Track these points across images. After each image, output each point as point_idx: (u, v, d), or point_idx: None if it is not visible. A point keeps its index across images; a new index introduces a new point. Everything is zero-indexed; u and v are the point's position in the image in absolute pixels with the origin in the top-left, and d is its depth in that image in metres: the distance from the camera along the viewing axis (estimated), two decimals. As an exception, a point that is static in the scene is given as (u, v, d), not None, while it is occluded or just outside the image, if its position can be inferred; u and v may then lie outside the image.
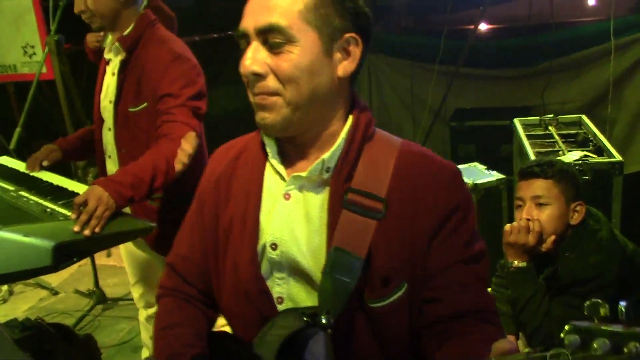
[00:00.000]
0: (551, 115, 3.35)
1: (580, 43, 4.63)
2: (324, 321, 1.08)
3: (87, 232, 1.64)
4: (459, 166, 1.21)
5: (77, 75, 3.71)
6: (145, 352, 2.75)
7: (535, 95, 4.65)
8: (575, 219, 2.01)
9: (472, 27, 4.62)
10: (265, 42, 1.09)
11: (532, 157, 2.76)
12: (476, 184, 2.98)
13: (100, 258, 4.10)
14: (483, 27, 4.99)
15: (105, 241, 1.77)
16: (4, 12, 4.55)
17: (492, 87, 4.98)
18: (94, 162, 3.00)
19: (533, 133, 3.23)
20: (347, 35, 1.11)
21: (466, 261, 1.12)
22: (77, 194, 1.91)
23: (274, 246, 1.17)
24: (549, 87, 4.59)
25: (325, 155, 1.14)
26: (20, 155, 2.73)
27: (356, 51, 1.13)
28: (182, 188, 2.16)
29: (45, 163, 2.19)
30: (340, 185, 1.13)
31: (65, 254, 1.60)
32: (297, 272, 1.17)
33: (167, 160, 1.91)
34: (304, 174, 1.15)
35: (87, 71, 4.85)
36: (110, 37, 2.31)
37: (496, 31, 5.19)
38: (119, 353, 3.20)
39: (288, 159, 1.20)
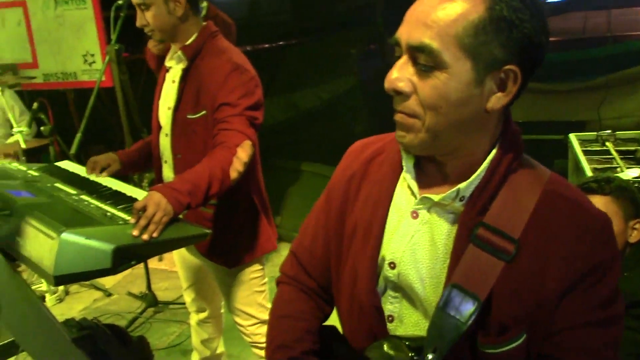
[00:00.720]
0: (609, 131, 3.28)
1: (637, 57, 4.52)
2: (429, 358, 1.03)
3: (145, 236, 1.68)
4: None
5: (134, 83, 3.82)
6: (195, 356, 2.79)
7: (590, 109, 4.55)
8: (634, 237, 1.96)
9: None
10: (415, 61, 1.01)
11: (589, 173, 2.70)
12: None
13: (153, 262, 4.19)
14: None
15: (162, 246, 1.80)
16: (66, 22, 4.71)
17: (545, 100, 4.89)
18: (149, 168, 3.08)
19: (590, 149, 3.16)
20: (507, 67, 1.00)
21: (597, 324, 1.03)
22: (136, 199, 1.97)
23: (392, 265, 1.14)
24: (604, 101, 4.49)
25: (462, 185, 1.07)
26: (79, 160, 2.82)
27: (513, 87, 1.02)
28: (235, 196, 2.21)
29: (104, 174, 2.26)
30: (472, 218, 1.06)
31: (124, 257, 1.65)
32: (411, 295, 1.14)
33: (223, 168, 1.94)
34: (435, 197, 1.09)
35: (144, 80, 5.00)
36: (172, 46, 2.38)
37: (550, 44, 5.10)
38: (169, 356, 3.26)
39: (423, 176, 1.14)
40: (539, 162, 1.15)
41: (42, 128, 3.68)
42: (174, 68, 2.25)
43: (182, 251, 2.53)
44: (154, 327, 3.56)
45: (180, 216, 1.94)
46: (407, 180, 1.15)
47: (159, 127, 2.32)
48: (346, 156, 1.32)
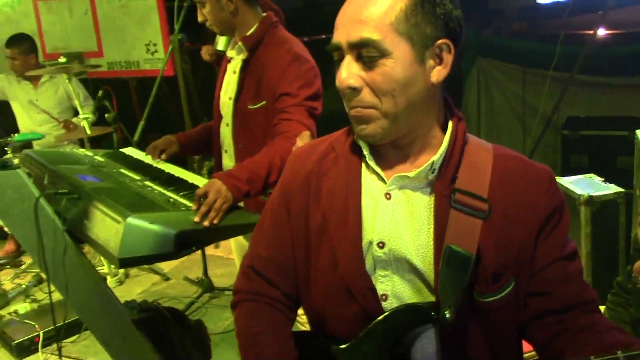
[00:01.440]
0: (677, 127, 3.15)
1: None
2: (447, 315, 1.12)
3: (206, 222, 1.72)
4: (572, 177, 1.24)
5: (194, 72, 3.89)
6: (249, 342, 2.83)
7: (657, 105, 4.40)
8: None
9: (591, 32, 4.42)
10: (359, 56, 1.11)
11: (656, 171, 2.61)
12: (592, 196, 2.86)
13: (209, 249, 4.27)
14: (602, 32, 4.77)
15: (222, 232, 1.84)
16: (130, 12, 4.83)
17: (610, 95, 4.74)
18: (208, 156, 3.14)
19: (656, 145, 3.05)
20: (440, 42, 1.12)
21: (567, 257, 1.18)
22: (197, 186, 2.02)
23: (381, 244, 1.19)
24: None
25: (434, 157, 1.16)
26: (140, 147, 2.90)
27: (449, 57, 1.13)
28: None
29: (163, 156, 2.32)
30: (446, 186, 1.17)
31: (186, 242, 1.69)
32: (403, 269, 1.20)
33: (282, 157, 1.96)
34: (410, 174, 1.17)
35: (204, 69, 5.08)
36: (224, 40, 2.42)
37: (616, 37, 4.93)
38: (224, 341, 3.32)
39: (384, 160, 1.23)
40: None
41: (106, 115, 3.79)
42: (235, 59, 2.29)
43: (240, 238, 2.56)
44: (209, 312, 3.64)
45: (241, 204, 1.99)
46: (372, 167, 1.23)
47: (220, 117, 2.36)
48: (292, 162, 1.38)
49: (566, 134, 4.42)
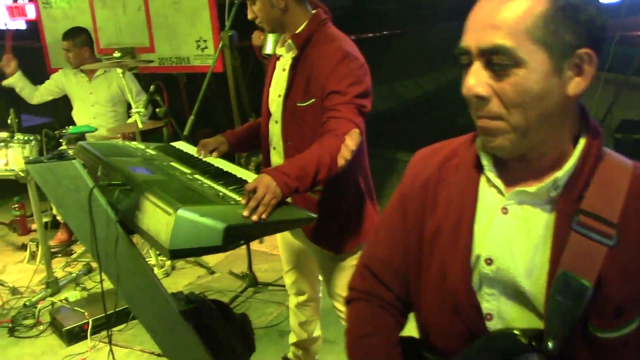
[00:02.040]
0: None
1: None
2: (550, 346, 1.03)
3: (255, 217, 1.73)
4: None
5: (243, 69, 3.92)
6: (292, 337, 2.85)
7: None
8: None
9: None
10: (489, 63, 1.03)
11: None
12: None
13: (254, 244, 4.31)
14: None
15: (270, 227, 1.85)
16: (182, 8, 4.89)
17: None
18: (256, 152, 3.17)
19: None
20: (580, 51, 1.02)
21: None
22: (245, 180, 2.04)
23: (489, 261, 1.14)
24: None
25: (559, 174, 1.08)
26: (189, 141, 2.94)
27: (589, 68, 1.03)
28: (341, 182, 2.23)
29: (215, 154, 2.35)
30: (570, 205, 1.07)
31: (234, 236, 1.70)
32: (511, 290, 1.13)
33: (331, 155, 1.97)
34: (531, 189, 1.10)
35: (252, 65, 5.12)
36: (272, 38, 2.44)
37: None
38: (267, 335, 3.35)
39: (505, 173, 1.16)
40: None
41: (157, 110, 3.86)
42: (285, 56, 2.30)
43: (286, 234, 2.58)
44: (253, 307, 3.67)
45: (289, 200, 2.00)
46: (490, 179, 1.16)
47: (269, 114, 2.38)
48: (413, 165, 1.34)
49: (619, 138, 4.31)
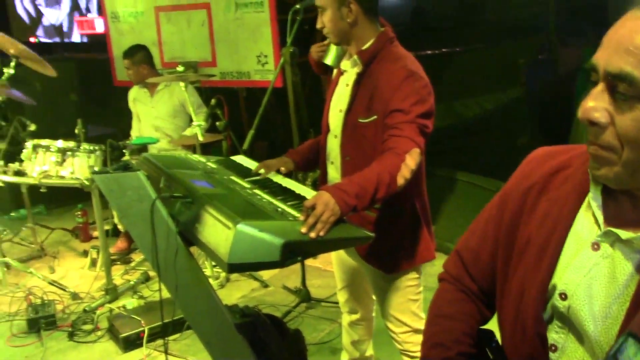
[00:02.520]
0: None
1: None
2: None
3: (313, 234, 1.73)
4: None
5: (302, 84, 3.96)
6: (345, 356, 2.83)
7: None
8: None
9: None
10: (613, 89, 0.95)
11: None
12: None
13: (308, 259, 4.31)
14: None
15: (328, 245, 1.85)
16: (244, 24, 4.99)
17: None
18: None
19: None
20: None
21: None
22: (304, 197, 2.04)
23: (564, 296, 1.07)
24: None
25: None
26: (249, 155, 2.98)
27: None
28: (400, 202, 2.21)
29: (282, 170, 2.34)
30: None
31: (292, 252, 1.71)
32: (580, 331, 1.06)
33: (391, 173, 1.95)
34: (623, 235, 1.01)
35: (311, 81, 5.17)
36: (334, 50, 2.45)
37: None
38: (319, 352, 3.34)
39: (612, 205, 1.06)
40: None
41: (217, 123, 3.93)
42: (349, 72, 2.30)
43: (340, 252, 2.58)
44: (305, 322, 3.67)
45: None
46: (592, 207, 1.07)
47: (328, 129, 2.39)
48: (526, 162, 1.26)
49: None
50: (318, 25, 2.29)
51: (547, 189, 1.17)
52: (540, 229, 1.13)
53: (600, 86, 0.96)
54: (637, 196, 1.02)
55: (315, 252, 1.91)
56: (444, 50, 7.06)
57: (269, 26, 4.88)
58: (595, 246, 1.05)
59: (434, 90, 2.17)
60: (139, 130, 4.95)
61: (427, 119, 2.10)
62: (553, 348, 1.11)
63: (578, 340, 1.08)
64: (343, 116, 2.28)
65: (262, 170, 2.32)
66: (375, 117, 2.16)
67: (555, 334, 1.11)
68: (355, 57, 2.25)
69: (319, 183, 2.54)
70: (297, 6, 3.30)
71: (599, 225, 1.05)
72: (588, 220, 1.08)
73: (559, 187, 1.15)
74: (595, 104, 0.96)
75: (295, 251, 1.73)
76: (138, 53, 4.85)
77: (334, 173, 2.40)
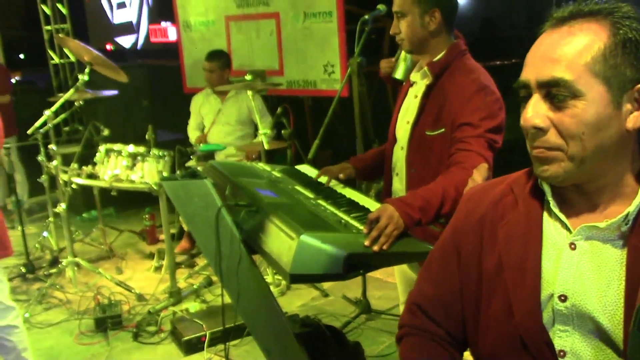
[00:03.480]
0: None
1: None
2: None
3: (376, 247, 1.72)
4: None
5: (368, 94, 3.95)
6: (404, 371, 2.79)
7: None
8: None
9: None
10: (547, 95, 1.07)
11: None
12: None
13: (369, 270, 4.28)
14: None
15: (391, 259, 1.83)
16: (312, 34, 5.03)
17: None
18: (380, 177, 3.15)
19: None
20: None
21: None
22: (368, 208, 2.03)
23: (563, 297, 1.12)
24: None
25: (630, 209, 1.08)
26: (312, 164, 2.98)
27: None
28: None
29: (341, 176, 2.35)
30: None
31: (354, 264, 1.70)
32: (586, 326, 1.11)
33: (457, 188, 1.91)
34: (601, 225, 1.10)
35: (376, 91, 5.15)
36: (403, 64, 2.42)
37: None
38: (378, 365, 3.31)
39: (568, 207, 1.16)
40: None
41: (283, 132, 3.97)
42: (418, 83, 2.28)
43: (403, 266, 2.54)
44: (365, 334, 3.64)
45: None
46: (555, 214, 1.16)
47: (395, 140, 2.36)
48: (465, 202, 1.35)
49: None
50: (392, 31, 2.25)
51: (499, 216, 1.24)
52: (510, 251, 1.19)
53: (535, 97, 1.08)
54: (586, 191, 1.13)
55: (377, 265, 1.89)
56: (514, 60, 6.90)
57: (337, 36, 4.89)
58: (572, 246, 1.13)
59: (504, 102, 2.13)
60: (201, 132, 5.06)
61: (497, 133, 2.05)
62: (562, 354, 1.13)
63: (585, 338, 1.12)
64: (410, 128, 2.25)
65: (324, 179, 2.31)
66: (443, 130, 2.13)
67: (559, 339, 1.13)
68: (425, 68, 2.22)
69: (383, 194, 2.52)
70: (366, 17, 3.28)
71: (567, 228, 1.14)
72: (555, 227, 1.17)
73: (511, 211, 1.23)
74: (534, 112, 1.07)
75: (358, 264, 1.72)
76: (224, 57, 4.99)
77: (398, 185, 2.37)
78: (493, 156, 2.06)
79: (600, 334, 1.10)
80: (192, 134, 5.13)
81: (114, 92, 4.65)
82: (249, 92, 4.27)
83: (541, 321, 1.14)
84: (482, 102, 2.04)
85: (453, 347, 1.35)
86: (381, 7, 3.33)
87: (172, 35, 6.54)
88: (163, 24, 6.95)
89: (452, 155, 2.03)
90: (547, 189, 1.17)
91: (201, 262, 4.76)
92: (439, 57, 2.20)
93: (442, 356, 1.33)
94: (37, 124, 4.09)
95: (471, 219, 1.29)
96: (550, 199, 1.16)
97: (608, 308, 1.08)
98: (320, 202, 2.07)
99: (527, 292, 1.15)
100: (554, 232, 1.16)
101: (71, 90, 4.23)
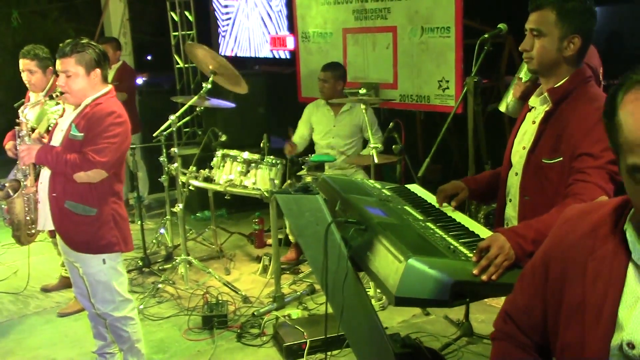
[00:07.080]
0: None
1: None
2: None
3: (484, 277, 1.70)
4: None
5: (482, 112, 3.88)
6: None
7: None
8: None
9: None
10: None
11: None
12: None
13: (473, 292, 4.19)
14: None
15: (499, 289, 1.79)
16: (429, 48, 5.00)
17: None
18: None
19: None
20: None
21: None
22: (478, 235, 2.00)
23: (631, 345, 1.14)
24: None
25: None
26: (421, 183, 2.97)
27: None
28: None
29: (453, 204, 2.30)
30: None
31: (461, 292, 1.69)
32: None
33: None
34: None
35: (489, 110, 5.04)
36: (508, 98, 2.36)
37: None
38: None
39: None
40: None
41: (393, 147, 3.98)
42: (537, 109, 2.22)
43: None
44: (464, 358, 3.56)
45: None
46: (636, 262, 1.16)
47: (510, 165, 2.31)
48: (561, 224, 1.34)
49: None
50: (522, 47, 2.17)
51: (589, 249, 1.23)
52: (595, 289, 1.20)
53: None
54: None
55: (485, 295, 1.86)
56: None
57: (454, 51, 4.84)
58: None
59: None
60: (304, 141, 5.16)
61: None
62: None
63: None
64: (526, 154, 2.20)
65: (445, 206, 2.29)
66: (561, 158, 2.06)
67: None
68: (545, 94, 2.16)
69: (495, 218, 2.47)
70: (486, 35, 3.24)
71: None
72: (637, 273, 1.16)
73: (602, 245, 1.22)
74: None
75: (464, 292, 1.71)
76: (339, 69, 5.08)
77: (511, 211, 2.32)
78: (614, 189, 1.96)
79: None
80: (298, 140, 5.22)
81: (232, 104, 4.85)
82: (362, 106, 4.31)
83: None
84: (605, 133, 1.95)
85: (542, 356, 1.40)
86: (502, 26, 3.27)
87: (290, 44, 6.71)
88: (280, 33, 7.15)
89: (570, 186, 1.96)
90: (632, 238, 1.17)
91: (305, 269, 4.84)
92: (561, 82, 2.13)
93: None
94: (162, 127, 4.34)
95: (563, 245, 1.30)
96: (632, 249, 1.16)
97: None
98: (430, 224, 2.06)
99: (600, 336, 1.17)
100: (635, 280, 1.17)
101: (194, 98, 4.45)
